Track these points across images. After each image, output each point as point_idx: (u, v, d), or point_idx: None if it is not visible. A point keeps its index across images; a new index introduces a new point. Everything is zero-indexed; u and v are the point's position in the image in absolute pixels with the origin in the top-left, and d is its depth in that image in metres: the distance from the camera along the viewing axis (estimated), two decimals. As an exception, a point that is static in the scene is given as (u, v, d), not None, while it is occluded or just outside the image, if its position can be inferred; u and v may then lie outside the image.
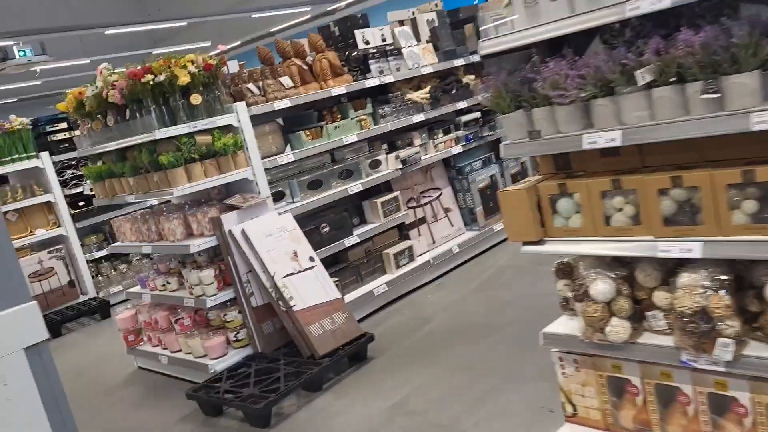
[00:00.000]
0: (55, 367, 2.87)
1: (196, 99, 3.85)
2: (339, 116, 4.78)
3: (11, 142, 5.87)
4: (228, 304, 4.07)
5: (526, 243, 2.22)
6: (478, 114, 5.74)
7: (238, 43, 14.36)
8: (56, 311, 6.16)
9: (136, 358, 4.66)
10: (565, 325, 2.29)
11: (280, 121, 4.50)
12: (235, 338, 4.03)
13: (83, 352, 5.40)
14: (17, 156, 5.96)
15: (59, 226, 6.36)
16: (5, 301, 2.82)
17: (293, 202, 4.49)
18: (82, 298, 6.47)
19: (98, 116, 4.14)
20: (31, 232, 6.21)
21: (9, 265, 2.82)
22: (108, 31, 13.03)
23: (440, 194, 5.47)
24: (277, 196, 4.39)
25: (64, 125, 6.53)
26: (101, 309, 6.25)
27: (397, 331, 4.28)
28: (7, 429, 2.78)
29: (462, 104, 5.56)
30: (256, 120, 4.21)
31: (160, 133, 3.73)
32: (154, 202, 6.15)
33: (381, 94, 5.12)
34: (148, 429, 3.67)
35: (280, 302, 3.85)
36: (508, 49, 2.08)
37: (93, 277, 6.60)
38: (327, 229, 4.53)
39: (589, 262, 2.10)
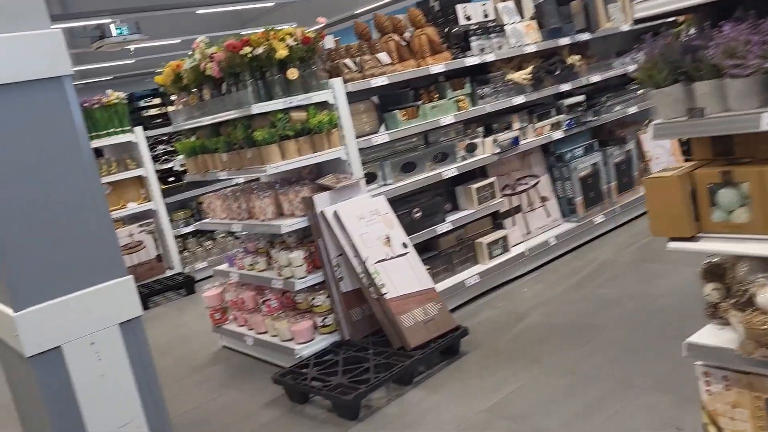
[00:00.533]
0: (147, 344, 2.79)
1: (292, 74, 3.70)
2: (436, 96, 4.54)
3: (108, 116, 5.96)
4: (316, 287, 3.93)
5: (673, 239, 1.92)
6: (582, 97, 5.36)
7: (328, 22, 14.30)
8: (144, 284, 6.25)
9: (222, 336, 4.62)
10: (715, 335, 1.98)
11: (375, 99, 4.30)
12: (322, 323, 3.89)
13: (169, 327, 5.43)
14: (113, 130, 6.05)
15: (149, 200, 6.44)
16: (102, 274, 2.75)
17: (385, 184, 4.29)
18: (169, 273, 6.54)
19: (194, 90, 4.07)
20: (123, 205, 6.31)
21: (107, 238, 2.74)
22: (199, 11, 13.26)
23: (537, 182, 5.14)
24: (369, 178, 4.20)
25: (157, 101, 6.60)
26: (187, 284, 6.30)
27: (491, 326, 4.02)
28: (100, 404, 2.73)
29: (565, 87, 5.19)
30: (352, 97, 4.03)
31: (256, 108, 3.60)
32: (241, 180, 6.13)
33: (480, 74, 4.83)
34: (236, 412, 3.59)
35: (371, 289, 3.67)
36: (667, 11, 1.77)
37: (180, 252, 6.66)
38: (419, 214, 4.31)
39: (756, 265, 1.79)
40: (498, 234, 4.70)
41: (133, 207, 6.32)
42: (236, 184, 6.34)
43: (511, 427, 2.87)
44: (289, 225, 3.77)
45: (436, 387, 3.38)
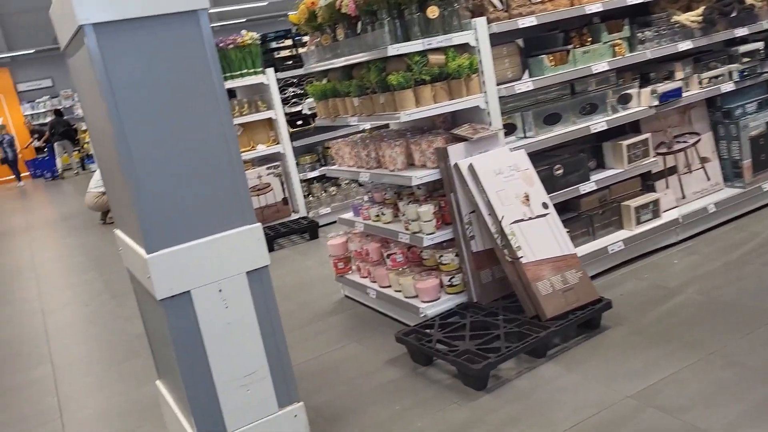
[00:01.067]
0: (273, 294, 2.67)
1: (432, 12, 3.39)
2: (589, 39, 4.05)
3: (241, 56, 5.95)
4: (444, 245, 3.70)
5: None
6: (759, 44, 4.62)
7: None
8: (269, 227, 6.33)
9: (344, 286, 4.54)
10: None
11: (520, 42, 3.90)
12: (449, 283, 3.67)
13: (292, 271, 5.46)
14: (246, 71, 6.05)
15: (278, 143, 6.46)
16: (232, 220, 2.62)
17: (524, 137, 3.94)
18: (293, 217, 6.59)
19: (327, 30, 3.87)
20: (253, 147, 6.37)
21: (238, 183, 2.60)
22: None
23: (698, 140, 4.54)
24: (508, 130, 3.86)
25: (289, 42, 6.52)
26: (310, 229, 6.31)
27: (636, 300, 3.62)
28: (226, 352, 2.68)
29: (741, 31, 4.48)
30: (495, 39, 3.66)
31: (393, 50, 3.34)
32: (367, 126, 5.96)
33: (642, 15, 4.26)
34: (357, 366, 3.50)
35: (506, 251, 3.38)
36: None
37: (304, 196, 6.68)
38: (561, 171, 3.93)
39: None
40: (648, 197, 4.21)
41: (262, 149, 6.37)
42: (362, 131, 6.19)
43: (664, 420, 2.53)
44: (419, 177, 3.54)
45: (573, 364, 3.08)
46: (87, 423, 3.46)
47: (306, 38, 6.44)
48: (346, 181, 6.83)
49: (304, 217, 6.54)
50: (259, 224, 2.63)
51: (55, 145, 17.27)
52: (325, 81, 4.20)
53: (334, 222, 6.59)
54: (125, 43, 2.31)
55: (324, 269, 5.28)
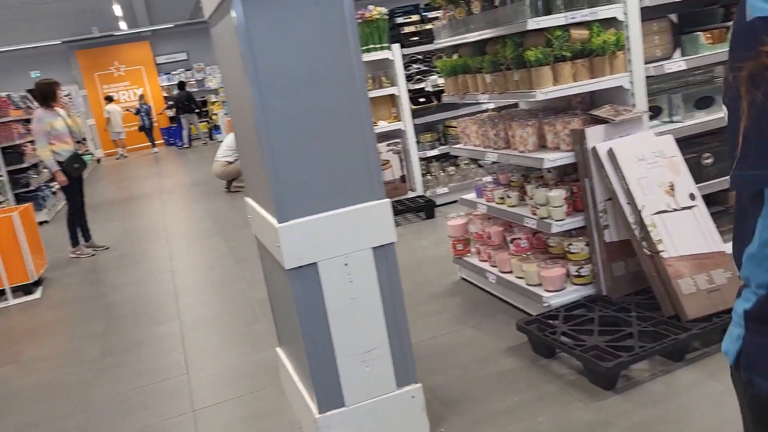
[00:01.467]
0: (398, 272, 2.61)
1: (578, -17, 3.16)
2: (754, 15, 3.63)
3: (369, 31, 5.94)
4: (574, 232, 3.50)
5: None
6: None
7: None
8: (387, 203, 6.31)
9: (461, 268, 4.44)
10: None
11: (673, 17, 3.57)
12: (576, 273, 3.47)
13: (408, 249, 5.42)
14: (372, 46, 6.03)
15: (399, 120, 6.41)
16: (361, 194, 2.56)
17: (670, 121, 3.62)
18: (410, 195, 6.55)
19: (462, 2, 3.74)
20: (375, 123, 6.36)
21: (369, 157, 2.53)
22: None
23: None
24: (653, 113, 3.56)
25: (416, 17, 6.43)
26: (427, 208, 6.24)
27: (791, 307, 3.25)
28: (349, 327, 2.65)
29: None
30: (645, 14, 3.37)
31: (532, 23, 3.16)
32: (491, 105, 5.78)
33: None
34: (474, 351, 3.40)
35: (644, 243, 3.13)
36: None
37: (422, 175, 6.61)
38: (710, 160, 3.58)
39: None
40: (810, 194, 3.76)
41: (383, 125, 6.35)
42: (485, 110, 6.01)
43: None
44: (552, 159, 3.35)
45: (716, 371, 2.81)
46: (210, 381, 3.61)
47: (435, 13, 6.35)
48: (465, 161, 6.69)
49: (420, 196, 6.48)
50: (387, 200, 2.58)
51: (181, 117, 18.28)
52: (455, 56, 4.07)
53: (451, 202, 6.48)
54: (269, 13, 2.31)
55: (439, 249, 5.20)
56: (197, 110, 18.61)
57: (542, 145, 3.59)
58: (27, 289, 5.74)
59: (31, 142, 10.08)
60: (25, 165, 9.41)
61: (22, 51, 18.80)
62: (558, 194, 3.39)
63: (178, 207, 9.52)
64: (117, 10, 17.58)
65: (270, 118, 2.37)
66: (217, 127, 18.88)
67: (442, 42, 4.07)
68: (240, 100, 2.63)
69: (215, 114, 19.22)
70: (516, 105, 4.59)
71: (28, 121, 10.46)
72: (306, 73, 2.39)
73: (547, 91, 3.25)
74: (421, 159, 6.62)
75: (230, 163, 9.41)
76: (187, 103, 18.05)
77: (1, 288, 5.61)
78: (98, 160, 18.06)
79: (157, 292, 5.43)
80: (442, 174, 6.63)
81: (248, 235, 6.63)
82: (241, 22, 2.27)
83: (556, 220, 3.41)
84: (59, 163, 6.43)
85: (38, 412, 3.56)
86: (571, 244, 3.46)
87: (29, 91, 12.29)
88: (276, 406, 3.19)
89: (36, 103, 11.06)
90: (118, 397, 3.57)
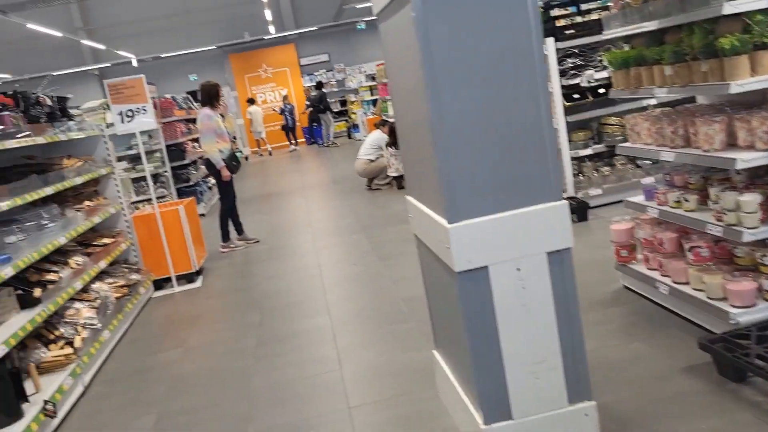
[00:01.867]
0: (574, 280, 2.41)
1: (787, -41, 2.78)
2: None
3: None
4: (768, 242, 3.10)
5: None
6: None
7: None
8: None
9: (624, 276, 4.11)
10: None
11: None
12: (770, 288, 3.07)
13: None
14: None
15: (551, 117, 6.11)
16: (537, 195, 2.34)
17: None
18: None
19: (640, -12, 3.44)
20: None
21: (547, 156, 2.34)
22: None
23: None
24: None
25: (573, 9, 6.09)
26: (579, 210, 5.91)
27: None
28: (519, 335, 2.46)
29: None
30: None
31: (729, 7, 2.82)
32: (654, 101, 5.33)
33: None
34: (645, 369, 3.12)
35: None
36: None
37: (574, 175, 6.27)
38: None
39: None
40: None
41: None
42: (652, 105, 5.57)
43: None
44: (746, 159, 2.98)
45: None
46: (363, 378, 3.60)
47: (594, 4, 6.00)
48: (622, 161, 6.26)
49: (572, 197, 6.15)
50: (565, 202, 2.40)
51: (320, 116, 18.85)
52: (627, 48, 3.76)
53: (606, 204, 6.10)
54: (449, 6, 2.21)
55: (595, 254, 4.87)
56: (329, 111, 19.12)
57: (731, 144, 3.21)
58: (189, 278, 6.13)
59: (193, 140, 10.85)
60: (186, 161, 10.11)
61: (181, 57, 20.39)
62: (752, 199, 3.01)
63: (321, 203, 9.79)
64: (268, 14, 18.52)
65: (444, 112, 2.27)
66: (355, 126, 19.33)
67: (613, 33, 3.78)
68: (409, 95, 2.57)
69: (354, 113, 19.70)
70: (691, 100, 4.18)
71: (188, 121, 11.28)
72: (485, 64, 2.27)
73: (744, 83, 2.89)
74: (573, 158, 6.28)
75: (372, 161, 9.54)
76: (317, 104, 18.62)
77: (168, 276, 6.02)
78: (246, 158, 19.13)
79: (306, 285, 5.57)
80: (595, 174, 6.25)
81: (391, 233, 6.65)
82: (421, 15, 2.19)
83: (749, 228, 3.03)
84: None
85: (203, 397, 3.74)
86: (765, 256, 3.07)
87: (189, 92, 13.27)
88: (430, 410, 3.10)
89: (196, 104, 11.91)
90: (275, 387, 3.66)
